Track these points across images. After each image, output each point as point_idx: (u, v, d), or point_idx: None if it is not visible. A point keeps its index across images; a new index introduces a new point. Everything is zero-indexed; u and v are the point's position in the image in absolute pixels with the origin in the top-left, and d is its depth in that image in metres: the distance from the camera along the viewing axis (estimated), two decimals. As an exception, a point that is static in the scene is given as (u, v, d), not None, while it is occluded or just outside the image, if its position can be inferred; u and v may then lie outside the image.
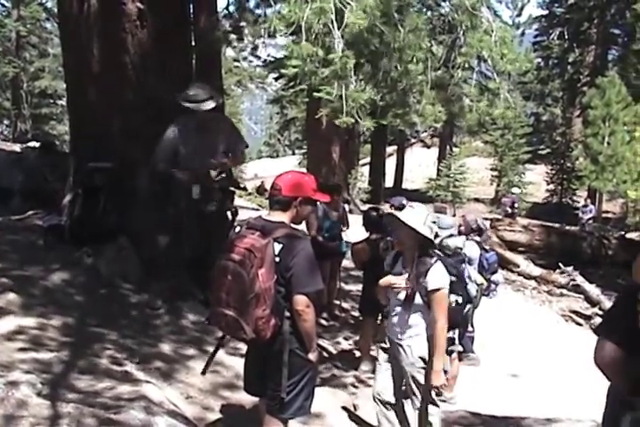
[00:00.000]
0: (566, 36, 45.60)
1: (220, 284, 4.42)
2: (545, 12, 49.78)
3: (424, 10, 18.80)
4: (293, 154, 67.31)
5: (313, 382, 4.92)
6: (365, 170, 40.87)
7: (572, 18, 45.13)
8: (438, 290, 5.45)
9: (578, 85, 44.93)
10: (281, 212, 4.65)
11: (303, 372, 4.67)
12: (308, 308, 4.46)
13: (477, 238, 9.95)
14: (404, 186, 48.46)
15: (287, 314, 4.50)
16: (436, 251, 5.83)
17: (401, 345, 5.64)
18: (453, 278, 5.73)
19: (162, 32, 8.10)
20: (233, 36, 15.78)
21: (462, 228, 10.07)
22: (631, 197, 28.28)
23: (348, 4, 11.28)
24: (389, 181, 46.25)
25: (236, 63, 36.10)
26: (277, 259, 4.39)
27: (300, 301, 4.43)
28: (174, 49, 8.36)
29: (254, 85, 43.68)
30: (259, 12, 16.05)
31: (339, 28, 11.64)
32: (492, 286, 10.06)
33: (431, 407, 5.81)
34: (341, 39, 12.03)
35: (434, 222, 5.69)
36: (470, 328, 9.65)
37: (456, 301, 5.96)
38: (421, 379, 5.63)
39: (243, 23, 15.98)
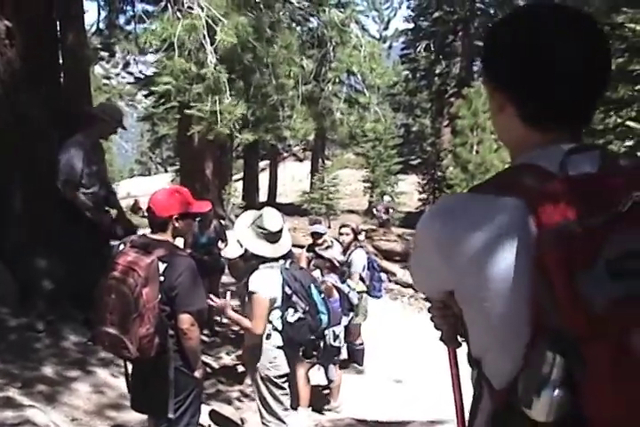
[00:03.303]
0: (432, 49, 46.25)
1: (104, 303, 4.38)
2: (411, 26, 50.24)
3: (294, 25, 18.91)
4: (166, 171, 66.59)
5: (199, 399, 4.97)
6: (239, 185, 40.81)
7: (438, 31, 45.91)
8: (252, 293, 5.60)
9: (445, 96, 45.62)
10: (161, 231, 4.68)
11: (189, 389, 4.70)
12: (192, 326, 4.50)
13: (359, 244, 10.12)
14: (278, 200, 48.48)
15: (171, 332, 4.51)
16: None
17: None
18: (288, 291, 5.65)
19: (31, 50, 7.94)
20: (104, 53, 15.64)
21: (345, 237, 10.16)
22: (501, 204, 29.13)
23: (220, 20, 11.35)
24: (263, 196, 46.32)
25: (105, 81, 35.59)
26: (162, 278, 4.40)
27: (185, 319, 4.47)
28: (44, 67, 8.23)
29: (124, 103, 43.11)
30: (129, 28, 15.95)
31: (211, 44, 11.70)
32: (381, 284, 10.31)
33: None
34: (214, 54, 12.09)
35: (259, 227, 5.78)
36: (360, 341, 9.86)
37: (299, 317, 5.70)
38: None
39: (113, 39, 15.89)
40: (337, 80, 18.87)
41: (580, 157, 1.50)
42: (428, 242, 1.68)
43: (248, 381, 8.24)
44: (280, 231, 5.81)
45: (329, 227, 27.62)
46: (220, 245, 10.85)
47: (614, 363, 1.27)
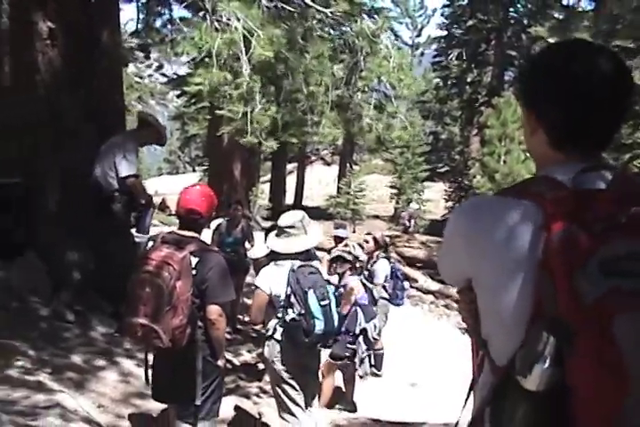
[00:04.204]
0: (464, 57, 45.89)
1: (137, 295, 4.57)
2: (444, 33, 49.96)
3: (327, 29, 18.95)
4: (194, 171, 66.65)
5: (221, 387, 5.15)
6: (266, 187, 40.99)
7: (471, 39, 45.61)
8: (255, 286, 5.92)
9: (475, 105, 45.31)
10: (194, 229, 4.94)
11: (213, 377, 4.90)
12: (220, 317, 4.72)
13: (383, 254, 10.18)
14: (304, 203, 48.30)
15: (200, 323, 4.72)
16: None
17: None
18: (288, 291, 5.68)
19: (71, 51, 8.22)
20: (140, 54, 15.92)
21: (365, 244, 10.20)
22: (527, 214, 28.96)
23: (255, 32, 11.58)
24: (290, 199, 46.34)
25: (137, 79, 35.87)
26: (194, 271, 4.62)
27: (214, 310, 4.69)
28: (83, 67, 8.45)
29: (155, 101, 43.36)
30: (165, 31, 16.20)
31: (246, 54, 11.91)
32: (403, 292, 10.44)
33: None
34: (249, 64, 12.31)
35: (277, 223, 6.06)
36: (379, 345, 9.98)
37: (293, 318, 5.69)
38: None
39: (149, 40, 16.17)
40: (366, 88, 18.98)
41: (594, 175, 1.76)
42: (455, 233, 1.98)
43: (267, 378, 8.46)
44: (290, 227, 5.87)
45: (353, 232, 27.71)
46: (247, 245, 11.05)
47: (599, 354, 1.52)
